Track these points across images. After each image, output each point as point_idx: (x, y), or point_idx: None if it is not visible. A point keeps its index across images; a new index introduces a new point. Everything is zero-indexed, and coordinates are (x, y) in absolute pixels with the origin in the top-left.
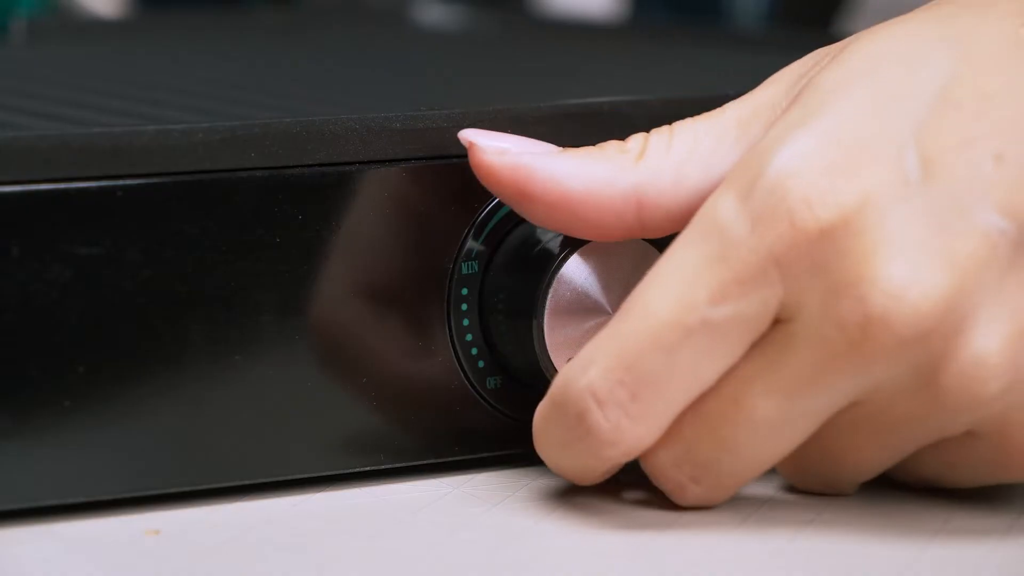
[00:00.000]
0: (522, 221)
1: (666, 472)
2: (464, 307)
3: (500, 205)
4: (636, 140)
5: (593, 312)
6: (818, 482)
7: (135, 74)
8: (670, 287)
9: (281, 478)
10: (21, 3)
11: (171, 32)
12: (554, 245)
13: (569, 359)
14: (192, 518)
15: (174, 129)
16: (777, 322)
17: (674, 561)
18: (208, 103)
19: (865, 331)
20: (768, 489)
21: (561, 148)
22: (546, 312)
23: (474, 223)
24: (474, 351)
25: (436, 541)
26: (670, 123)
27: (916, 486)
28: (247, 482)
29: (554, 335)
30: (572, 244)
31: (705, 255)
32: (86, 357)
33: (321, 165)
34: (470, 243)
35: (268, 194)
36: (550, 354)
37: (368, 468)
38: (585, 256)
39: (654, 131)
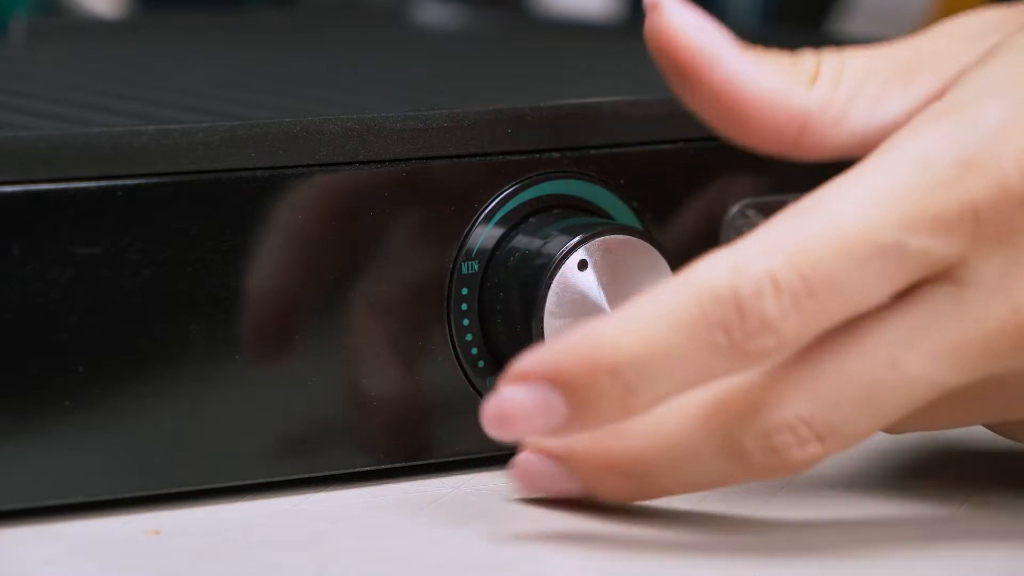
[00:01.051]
0: (522, 220)
1: (791, 427)
2: (464, 307)
3: (500, 205)
4: (809, 60)
5: (593, 313)
6: (903, 430)
7: (135, 74)
8: (867, 201)
9: (281, 478)
10: (21, 3)
11: (171, 32)
12: (554, 246)
13: None
14: (192, 518)
15: (174, 129)
16: (946, 279)
17: (673, 562)
18: (208, 103)
19: None
20: (768, 489)
21: (743, 45)
22: (546, 312)
23: (474, 223)
24: (474, 351)
25: (436, 541)
26: (670, 123)
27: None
28: (247, 482)
29: (554, 336)
30: (571, 244)
31: (908, 181)
32: (86, 357)
33: (321, 165)
34: (470, 243)
35: (268, 194)
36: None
37: (368, 468)
38: (585, 256)
39: (825, 55)
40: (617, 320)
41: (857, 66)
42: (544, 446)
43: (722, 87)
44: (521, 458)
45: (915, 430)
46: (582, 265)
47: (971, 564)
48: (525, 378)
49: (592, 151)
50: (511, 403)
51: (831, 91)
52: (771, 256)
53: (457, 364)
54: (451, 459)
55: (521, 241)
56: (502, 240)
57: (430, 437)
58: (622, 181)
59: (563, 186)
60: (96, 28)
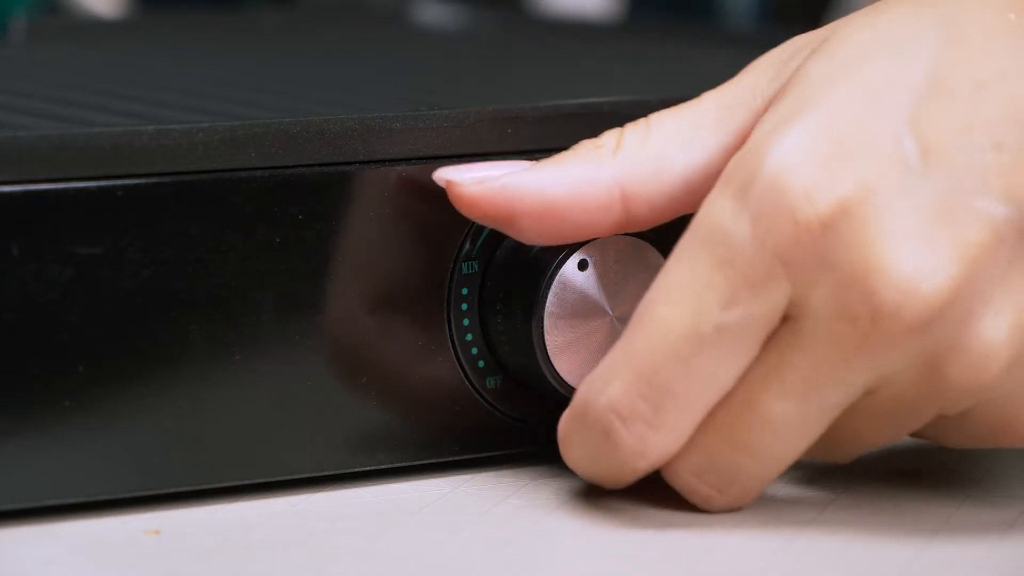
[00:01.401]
0: None
1: (690, 484)
2: (464, 307)
3: None
4: (610, 135)
5: (593, 313)
6: (818, 454)
7: (135, 74)
8: (680, 297)
9: (281, 478)
10: (21, 3)
11: (171, 32)
12: (554, 246)
13: (569, 360)
14: (192, 518)
15: (174, 129)
16: (785, 320)
17: (673, 561)
18: (208, 103)
19: (876, 324)
20: (768, 489)
21: (533, 163)
22: (546, 312)
23: (474, 223)
24: (474, 351)
25: (436, 541)
26: None
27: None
28: (247, 482)
29: (554, 335)
30: (572, 245)
31: (710, 261)
32: (86, 357)
33: (321, 165)
34: (470, 243)
35: (268, 194)
36: (549, 354)
37: (368, 468)
38: (585, 257)
39: (629, 125)
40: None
41: (665, 120)
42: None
43: (533, 206)
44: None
45: (851, 454)
46: (582, 265)
47: (972, 563)
48: None
49: None
50: None
51: (638, 150)
52: (609, 386)
53: (457, 364)
54: (451, 459)
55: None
56: (502, 240)
57: (430, 437)
58: None
59: None
60: (96, 28)
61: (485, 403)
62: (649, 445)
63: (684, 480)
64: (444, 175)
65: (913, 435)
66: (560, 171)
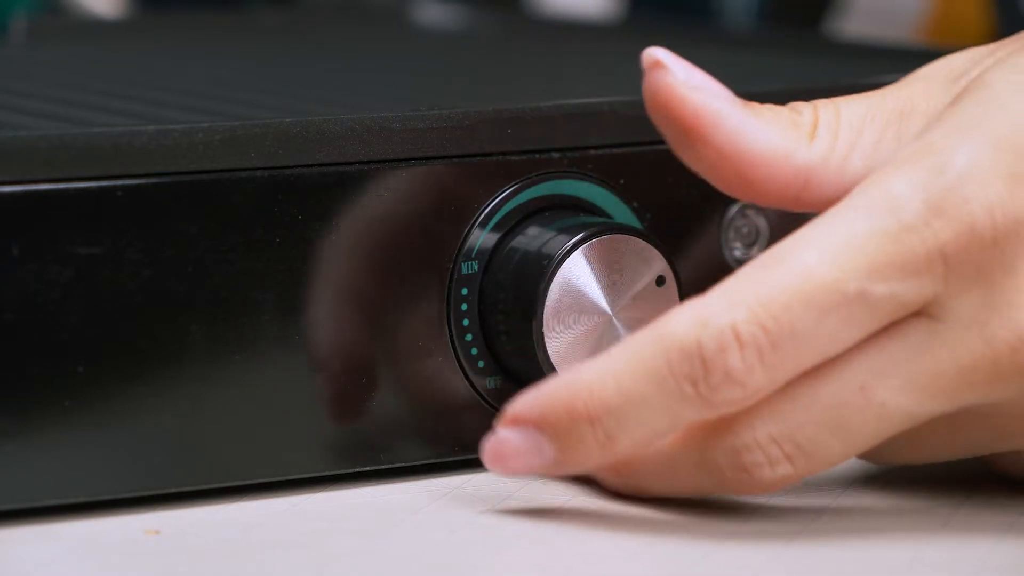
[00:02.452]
0: (522, 220)
1: (760, 446)
2: (464, 307)
3: (500, 205)
4: (807, 113)
5: (593, 312)
6: (874, 455)
7: (135, 74)
8: (833, 250)
9: (281, 478)
10: (21, 3)
11: (171, 32)
12: (554, 245)
13: (569, 360)
14: (192, 518)
15: (174, 129)
16: (920, 315)
17: (673, 562)
18: (208, 103)
19: (1013, 352)
20: None
21: (742, 101)
22: (545, 312)
23: (474, 223)
24: (474, 351)
25: (436, 541)
26: None
27: None
28: (247, 482)
29: (553, 335)
30: (571, 244)
31: (875, 228)
32: (86, 357)
33: (321, 165)
34: (470, 243)
35: (268, 194)
36: (549, 354)
37: (368, 468)
38: (585, 256)
39: (820, 106)
40: (595, 370)
41: (853, 116)
42: (512, 416)
43: (725, 148)
44: (491, 439)
45: (902, 461)
46: (582, 265)
47: (972, 564)
48: (516, 422)
49: (592, 151)
50: (506, 444)
51: (831, 143)
52: (735, 310)
53: (457, 364)
54: (451, 459)
55: (521, 241)
56: (502, 240)
57: (430, 437)
58: (622, 181)
59: (563, 186)
60: (96, 28)
61: (485, 403)
62: (752, 378)
63: (756, 440)
64: (657, 54)
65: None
66: (764, 130)
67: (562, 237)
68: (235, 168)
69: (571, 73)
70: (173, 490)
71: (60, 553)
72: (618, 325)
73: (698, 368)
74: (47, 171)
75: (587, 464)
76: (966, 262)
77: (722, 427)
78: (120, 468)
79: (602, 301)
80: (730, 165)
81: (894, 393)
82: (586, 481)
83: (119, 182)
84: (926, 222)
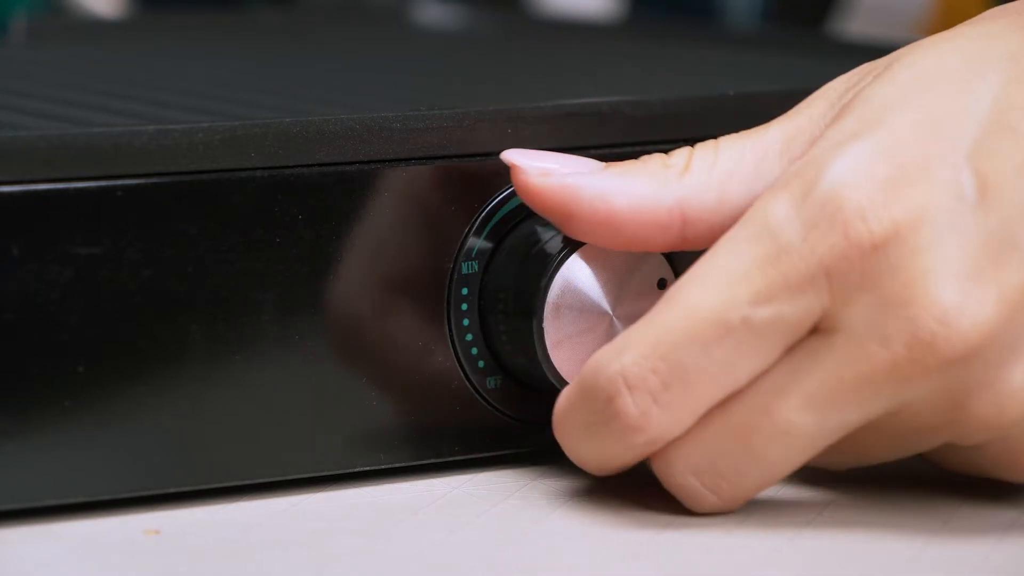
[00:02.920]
0: (521, 221)
1: (684, 480)
2: (464, 307)
3: (500, 205)
4: (680, 155)
5: (592, 312)
6: (824, 462)
7: (135, 74)
8: (715, 283)
9: (281, 478)
10: (21, 3)
11: (171, 32)
12: (554, 245)
13: (569, 359)
14: (192, 518)
15: (174, 129)
16: (815, 331)
17: (673, 561)
18: (208, 103)
19: (910, 351)
20: (768, 489)
21: (603, 164)
22: (546, 312)
23: (474, 223)
24: (474, 351)
25: (436, 541)
26: (670, 123)
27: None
28: (247, 482)
29: (554, 335)
30: (572, 244)
31: (754, 255)
32: (86, 357)
33: (321, 165)
34: (470, 243)
35: (268, 194)
36: (550, 354)
37: (368, 468)
38: (585, 256)
39: (698, 146)
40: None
41: (732, 147)
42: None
43: (594, 212)
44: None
45: (844, 466)
46: (582, 265)
47: (972, 564)
48: None
49: (592, 151)
50: None
51: (705, 175)
52: (624, 355)
53: (457, 364)
54: (451, 459)
55: (521, 241)
56: (502, 240)
57: (430, 437)
58: None
59: None
60: (96, 28)
61: (485, 403)
62: (651, 421)
63: (680, 477)
64: (511, 158)
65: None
66: (626, 182)
67: (562, 237)
68: (235, 168)
69: (571, 73)
70: (173, 490)
71: (60, 553)
72: (618, 325)
73: (602, 413)
74: (47, 171)
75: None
76: (848, 271)
77: (655, 460)
78: (120, 468)
79: (602, 301)
80: (605, 226)
81: (797, 411)
82: (586, 481)
83: (119, 182)
84: (803, 239)
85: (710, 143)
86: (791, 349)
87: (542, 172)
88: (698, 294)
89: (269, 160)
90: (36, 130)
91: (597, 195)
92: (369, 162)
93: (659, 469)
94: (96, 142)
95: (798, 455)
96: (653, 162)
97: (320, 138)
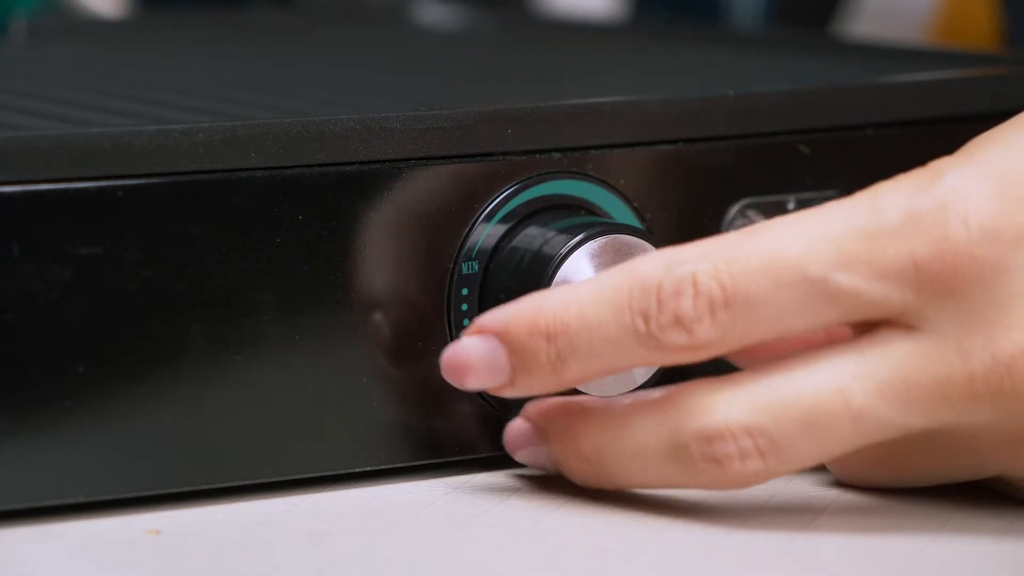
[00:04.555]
0: (521, 221)
1: (734, 435)
2: (464, 307)
3: (500, 205)
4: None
5: None
6: (857, 477)
7: (135, 74)
8: (807, 233)
9: (281, 478)
10: (21, 3)
11: (171, 32)
12: (554, 245)
13: None
14: (192, 518)
15: (174, 129)
16: (901, 325)
17: (674, 561)
18: (208, 103)
19: (987, 371)
20: (768, 489)
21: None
22: None
23: (474, 223)
24: None
25: (436, 541)
26: (670, 123)
27: None
28: (247, 482)
29: None
30: (572, 244)
31: (853, 224)
32: (86, 357)
33: (321, 165)
34: (470, 243)
35: (268, 194)
36: None
37: (368, 468)
38: (585, 256)
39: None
40: (563, 292)
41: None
42: (528, 414)
43: None
44: (510, 424)
45: (884, 481)
46: (582, 265)
47: (972, 563)
48: (480, 331)
49: (592, 151)
50: (466, 351)
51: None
52: (701, 261)
53: None
54: (451, 459)
55: (521, 241)
56: (502, 240)
57: (430, 437)
58: (622, 181)
59: (563, 186)
60: (96, 28)
61: (485, 403)
62: (700, 327)
63: (736, 427)
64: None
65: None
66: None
67: (562, 237)
68: (235, 168)
69: (571, 73)
70: (173, 490)
71: (60, 553)
72: None
73: (652, 305)
74: (47, 171)
75: (537, 386)
76: (941, 273)
77: (696, 408)
78: (120, 468)
79: None
80: None
81: (871, 398)
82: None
83: (119, 182)
84: (902, 228)
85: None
86: (870, 335)
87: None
88: (788, 236)
89: (269, 160)
90: (36, 130)
91: None
92: (369, 162)
93: (710, 413)
94: (96, 142)
95: (855, 440)
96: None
97: (320, 138)
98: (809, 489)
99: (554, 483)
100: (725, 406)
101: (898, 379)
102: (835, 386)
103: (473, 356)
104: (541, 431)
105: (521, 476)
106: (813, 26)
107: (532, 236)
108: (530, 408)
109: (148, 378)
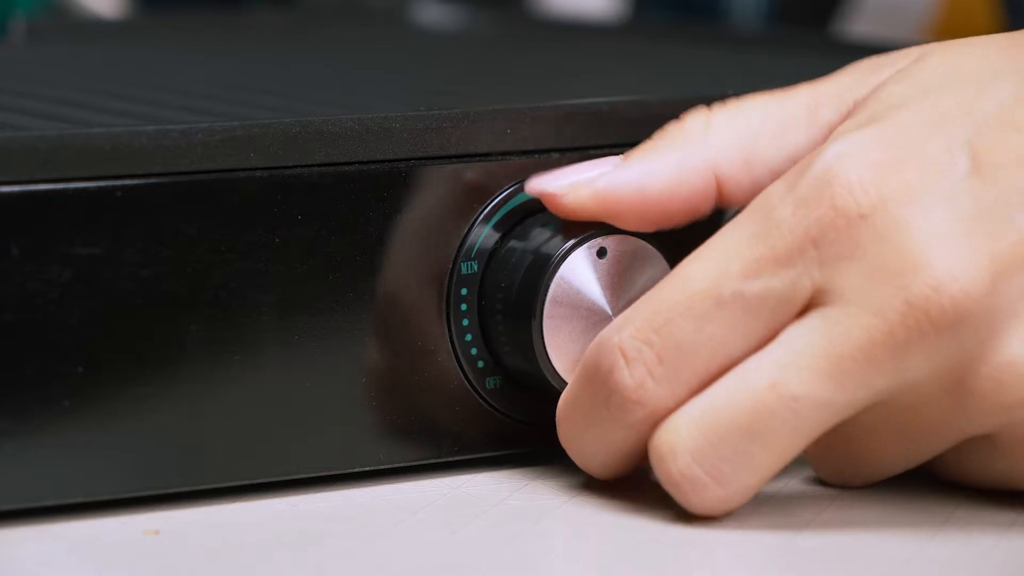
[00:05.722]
0: (522, 220)
1: (686, 468)
2: (464, 307)
3: (500, 205)
4: (696, 116)
5: (592, 312)
6: (839, 477)
7: (135, 74)
8: (709, 259)
9: (281, 478)
10: (21, 3)
11: (171, 32)
12: (554, 245)
13: (569, 360)
14: (192, 518)
15: (174, 129)
16: (814, 306)
17: (674, 561)
18: (208, 103)
19: (904, 318)
20: (768, 488)
21: (624, 156)
22: (545, 312)
23: (473, 223)
24: (474, 351)
25: (436, 541)
26: (668, 122)
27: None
28: (247, 482)
29: (553, 335)
30: (571, 244)
31: (748, 233)
32: (86, 357)
33: (321, 165)
34: (470, 243)
35: (268, 194)
36: (549, 354)
37: (368, 468)
38: (584, 256)
39: (715, 106)
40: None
41: (755, 107)
42: None
43: (634, 203)
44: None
45: (854, 478)
46: (582, 265)
47: (972, 563)
48: None
49: (592, 151)
50: None
51: (728, 132)
52: (623, 329)
53: (457, 364)
54: (451, 459)
55: (521, 241)
56: (502, 240)
57: (430, 437)
58: None
59: None
60: (96, 28)
61: (485, 403)
62: (647, 393)
63: (681, 463)
64: (538, 186)
65: (939, 475)
66: (653, 163)
67: (562, 237)
68: (235, 168)
69: (571, 73)
70: (173, 490)
71: (60, 553)
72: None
73: (601, 390)
74: (47, 171)
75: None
76: (835, 240)
77: (651, 451)
78: (120, 468)
79: (601, 301)
80: (651, 213)
81: (803, 384)
82: (586, 481)
83: (119, 182)
84: (792, 213)
85: (731, 102)
86: (790, 326)
87: (571, 187)
88: (694, 269)
89: (269, 160)
90: (36, 130)
91: (632, 187)
92: (369, 162)
93: (660, 457)
94: (96, 142)
95: (803, 433)
96: (670, 132)
97: (320, 138)
98: (808, 489)
99: (554, 483)
100: (672, 438)
101: (823, 356)
102: (766, 383)
103: None
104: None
105: (521, 476)
106: (813, 26)
107: (531, 236)
108: None
109: (147, 378)
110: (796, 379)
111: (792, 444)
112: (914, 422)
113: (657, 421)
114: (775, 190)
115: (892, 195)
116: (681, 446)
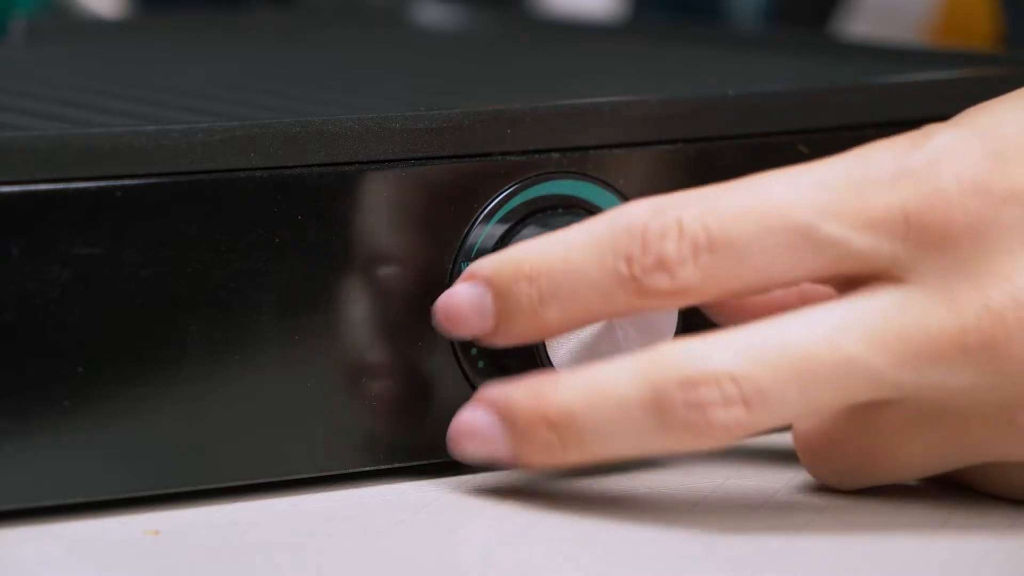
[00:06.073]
0: (520, 221)
1: (718, 381)
2: None
3: (500, 205)
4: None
5: None
6: (837, 476)
7: (135, 74)
8: (798, 184)
9: (281, 478)
10: (21, 3)
11: (171, 32)
12: None
13: (569, 360)
14: (192, 518)
15: (174, 129)
16: (888, 279)
17: (675, 560)
18: (208, 103)
19: (979, 320)
20: (768, 488)
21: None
22: None
23: (474, 223)
24: (474, 351)
25: (436, 541)
26: (670, 123)
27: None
28: (247, 482)
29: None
30: None
31: (844, 176)
32: (86, 357)
33: (321, 165)
34: (470, 243)
35: (268, 194)
36: (549, 354)
37: (368, 468)
38: None
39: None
40: (553, 237)
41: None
42: (485, 397)
43: None
44: (461, 414)
45: (861, 477)
46: None
47: (972, 563)
48: (471, 277)
49: (592, 151)
50: (454, 297)
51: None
52: (688, 207)
53: (457, 364)
54: (451, 459)
55: (521, 241)
56: (502, 240)
57: (430, 437)
58: (621, 181)
59: (563, 186)
60: (96, 28)
61: None
62: (684, 271)
63: (720, 369)
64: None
65: (951, 477)
66: None
67: None
68: (235, 168)
69: (571, 73)
70: (173, 490)
71: (60, 553)
72: (618, 325)
73: (636, 247)
74: (47, 171)
75: (518, 332)
76: (931, 224)
77: (681, 358)
78: (120, 468)
79: None
80: None
81: (861, 347)
82: (585, 481)
83: (119, 182)
84: (893, 181)
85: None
86: (859, 287)
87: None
88: (778, 184)
89: (269, 160)
90: (36, 130)
91: None
92: (369, 162)
93: (697, 359)
94: (96, 142)
95: (842, 393)
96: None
97: (320, 138)
98: (808, 489)
99: (553, 483)
100: (711, 352)
101: (890, 329)
102: (824, 335)
103: (461, 302)
104: (501, 408)
105: (521, 476)
106: (813, 26)
107: (531, 236)
108: (484, 391)
109: (147, 378)
110: (855, 341)
111: (829, 400)
112: (953, 432)
113: (669, 302)
114: (883, 148)
115: (999, 192)
116: (723, 364)
